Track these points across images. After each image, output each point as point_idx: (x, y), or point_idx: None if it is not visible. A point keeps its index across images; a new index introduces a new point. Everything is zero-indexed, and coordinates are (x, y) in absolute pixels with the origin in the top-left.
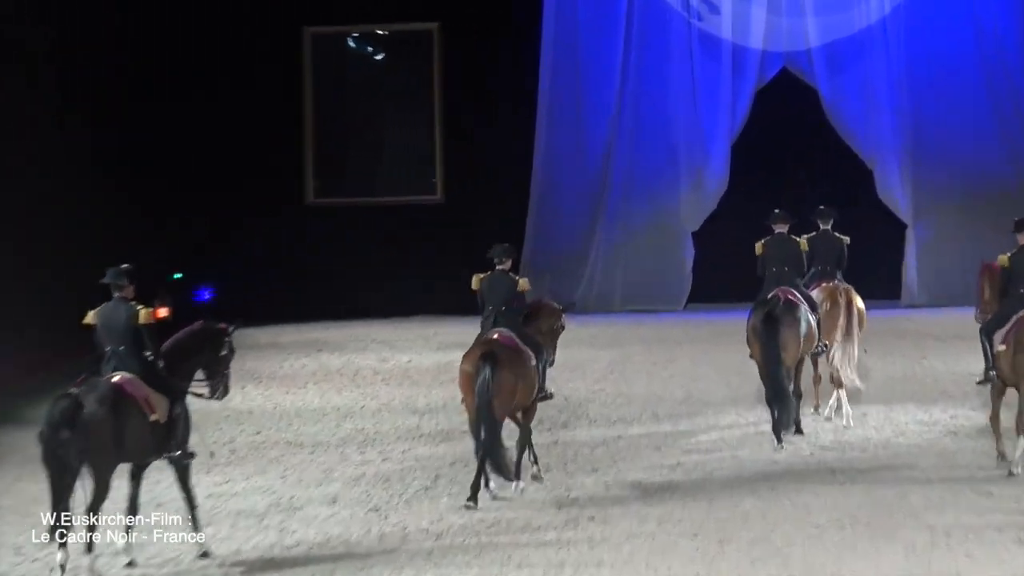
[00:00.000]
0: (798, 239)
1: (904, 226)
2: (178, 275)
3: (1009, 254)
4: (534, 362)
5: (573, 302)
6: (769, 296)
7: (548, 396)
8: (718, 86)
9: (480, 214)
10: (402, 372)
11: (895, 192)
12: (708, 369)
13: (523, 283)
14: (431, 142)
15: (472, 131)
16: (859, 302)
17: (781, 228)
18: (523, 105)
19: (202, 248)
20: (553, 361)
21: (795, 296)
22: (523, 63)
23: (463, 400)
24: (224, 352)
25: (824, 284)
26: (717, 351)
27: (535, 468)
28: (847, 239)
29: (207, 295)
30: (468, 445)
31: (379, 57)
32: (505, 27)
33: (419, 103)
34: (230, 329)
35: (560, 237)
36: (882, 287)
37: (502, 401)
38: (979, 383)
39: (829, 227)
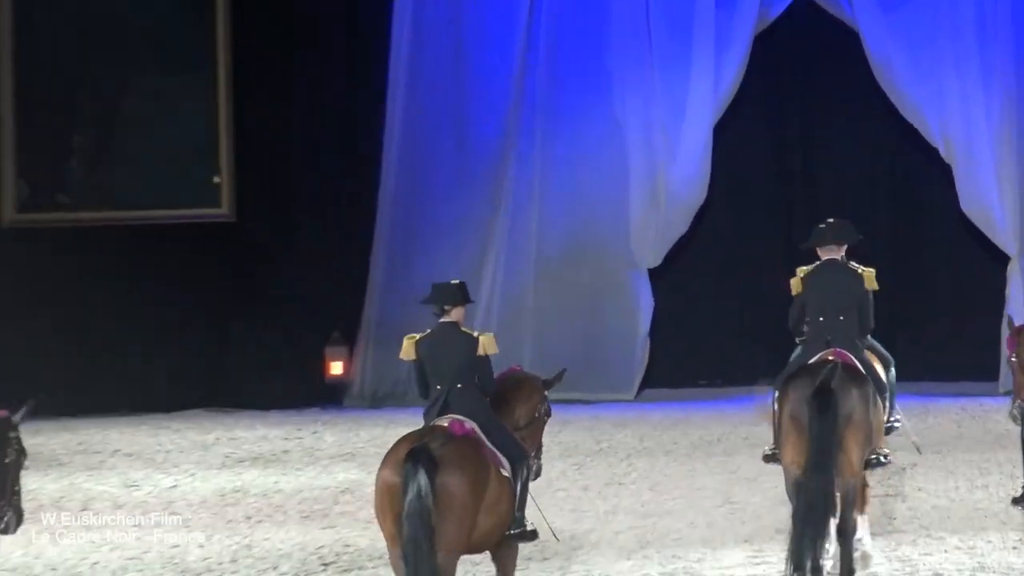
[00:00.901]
0: (861, 269)
1: (1004, 259)
2: None
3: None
4: (507, 472)
5: (564, 370)
6: (813, 361)
7: (529, 533)
8: (692, 29)
9: (291, 239)
10: (164, 503)
11: (990, 204)
12: (676, 497)
13: (486, 341)
14: (213, 127)
15: (279, 111)
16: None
17: (832, 253)
18: (365, 69)
19: None
20: (539, 470)
21: (857, 364)
22: (366, 2)
23: (384, 533)
24: (10, 457)
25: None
26: (693, 467)
27: None
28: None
29: None
30: None
31: None
32: None
33: (193, 65)
34: (16, 419)
35: (426, 282)
36: (966, 362)
37: (451, 530)
38: (1016, 502)
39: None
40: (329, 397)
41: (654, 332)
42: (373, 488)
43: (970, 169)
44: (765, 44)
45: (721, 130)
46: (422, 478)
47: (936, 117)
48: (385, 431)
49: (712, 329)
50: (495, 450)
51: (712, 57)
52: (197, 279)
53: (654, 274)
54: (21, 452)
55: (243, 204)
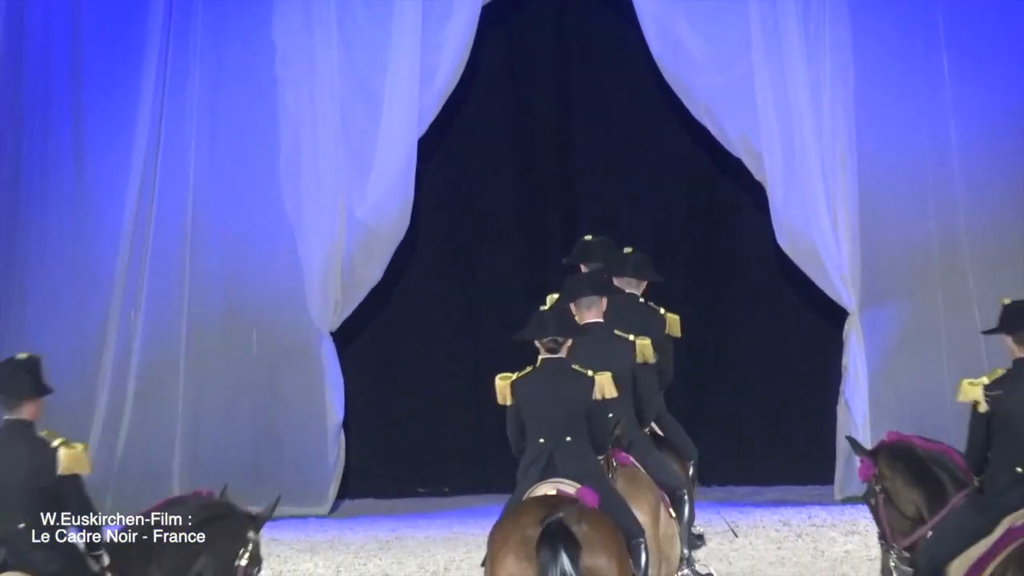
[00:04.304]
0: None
1: (840, 314)
2: None
3: (986, 383)
4: (643, 552)
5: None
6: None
7: None
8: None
9: None
10: None
11: (818, 237)
12: None
13: (604, 381)
14: None
15: None
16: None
17: (592, 299)
18: None
19: None
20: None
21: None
22: None
23: None
24: (243, 561)
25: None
26: None
27: None
28: (675, 322)
29: None
30: None
31: None
32: None
33: None
34: (261, 518)
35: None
36: (788, 460)
37: None
38: None
39: (639, 292)
40: None
41: (350, 422)
42: None
43: (790, 189)
44: (502, 19)
45: (437, 135)
46: (566, 564)
47: (737, 115)
48: None
49: (434, 416)
50: (617, 524)
51: (418, 34)
52: None
53: (343, 339)
54: (256, 560)
55: None
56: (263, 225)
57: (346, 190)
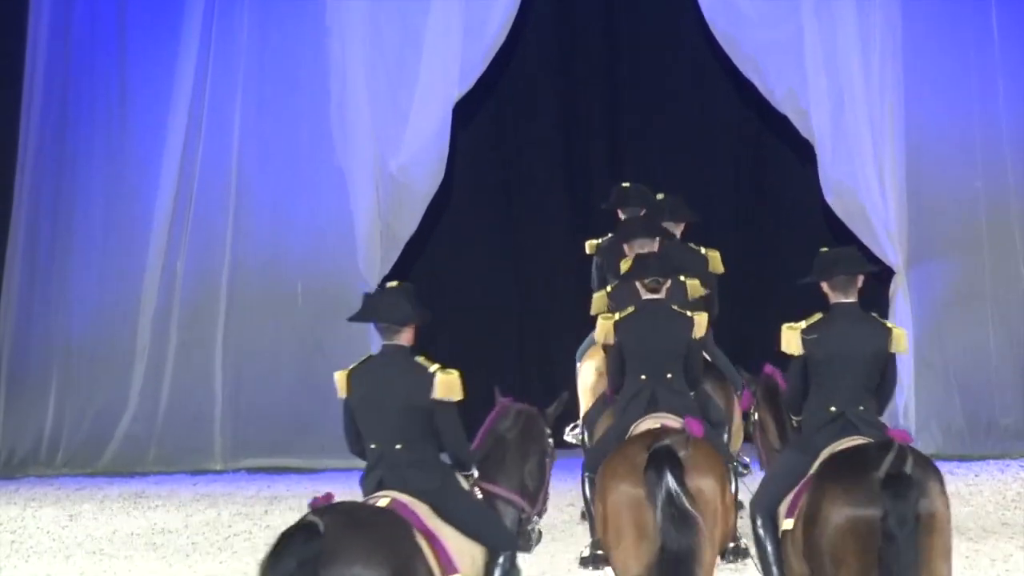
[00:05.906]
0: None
1: (889, 273)
2: None
3: (805, 327)
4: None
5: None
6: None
7: (743, 551)
8: None
9: None
10: None
11: (866, 195)
12: None
13: (701, 321)
14: None
15: None
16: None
17: (644, 241)
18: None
19: None
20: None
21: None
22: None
23: (616, 557)
24: (549, 452)
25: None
26: None
27: None
28: (716, 258)
29: None
30: None
31: None
32: None
33: None
34: (549, 412)
35: (78, 305)
36: None
37: (712, 544)
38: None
39: (677, 234)
40: None
41: None
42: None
43: (837, 147)
44: None
45: (484, 87)
46: (671, 484)
47: (785, 73)
48: (23, 512)
49: (479, 369)
50: (720, 452)
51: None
52: None
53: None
54: (553, 453)
55: None
56: (309, 176)
57: (383, 143)
